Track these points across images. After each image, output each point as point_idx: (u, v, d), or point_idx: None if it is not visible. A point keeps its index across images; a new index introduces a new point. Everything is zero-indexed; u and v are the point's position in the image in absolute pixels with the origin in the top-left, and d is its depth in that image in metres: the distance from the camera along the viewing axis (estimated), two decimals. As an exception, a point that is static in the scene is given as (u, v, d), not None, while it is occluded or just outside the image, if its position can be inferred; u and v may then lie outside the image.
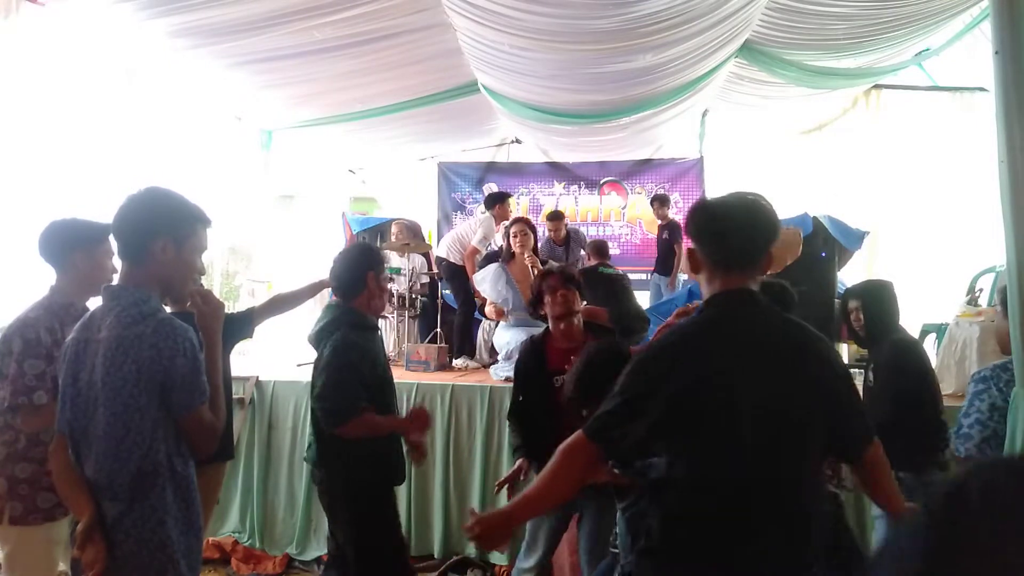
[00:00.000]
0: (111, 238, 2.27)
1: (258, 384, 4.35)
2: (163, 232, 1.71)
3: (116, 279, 1.78)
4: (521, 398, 2.80)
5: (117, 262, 2.27)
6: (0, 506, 2.20)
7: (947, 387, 3.89)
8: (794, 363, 1.52)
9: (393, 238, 6.16)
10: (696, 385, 1.47)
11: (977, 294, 4.95)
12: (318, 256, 7.41)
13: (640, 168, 7.93)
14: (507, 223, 5.26)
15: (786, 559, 1.48)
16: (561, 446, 1.56)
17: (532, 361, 2.75)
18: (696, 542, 1.48)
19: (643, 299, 6.19)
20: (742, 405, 1.46)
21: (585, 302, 2.91)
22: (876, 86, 6.80)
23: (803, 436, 1.52)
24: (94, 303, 2.31)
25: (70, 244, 2.27)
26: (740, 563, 1.45)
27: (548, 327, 2.81)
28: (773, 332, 1.56)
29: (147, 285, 1.72)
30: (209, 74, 5.13)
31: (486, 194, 7.95)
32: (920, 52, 6.07)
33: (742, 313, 1.56)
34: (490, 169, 8.09)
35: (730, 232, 1.56)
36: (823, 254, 5.89)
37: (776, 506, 1.48)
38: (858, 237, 6.02)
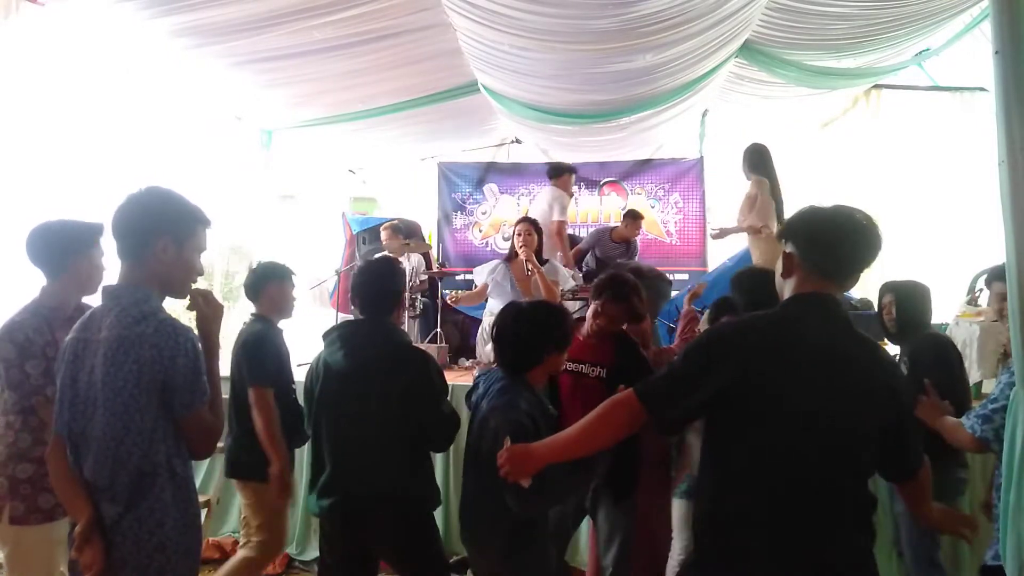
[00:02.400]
0: (102, 237, 2.28)
1: (258, 384, 4.34)
2: (164, 232, 1.71)
3: (116, 278, 1.77)
4: None
5: (105, 261, 2.28)
6: (0, 505, 2.19)
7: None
8: (852, 375, 1.52)
9: (383, 242, 6.15)
10: (748, 377, 1.49)
11: (977, 294, 4.95)
12: (318, 256, 7.44)
13: (640, 168, 7.90)
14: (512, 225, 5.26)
15: (844, 568, 1.48)
16: (609, 399, 1.64)
17: None
18: (746, 551, 1.47)
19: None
20: (791, 407, 1.47)
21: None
22: (876, 86, 6.79)
23: (852, 448, 1.52)
24: (85, 300, 2.32)
25: (70, 248, 2.24)
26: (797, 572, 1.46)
27: None
28: (838, 341, 1.55)
29: (147, 285, 1.72)
30: (209, 74, 5.13)
31: (487, 196, 7.97)
32: (920, 52, 6.07)
33: (813, 317, 1.56)
34: (490, 169, 8.06)
35: (844, 243, 1.57)
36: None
37: (829, 517, 1.48)
38: (858, 237, 6.01)
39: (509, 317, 2.29)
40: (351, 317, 6.25)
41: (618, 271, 3.22)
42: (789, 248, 1.62)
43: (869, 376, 1.54)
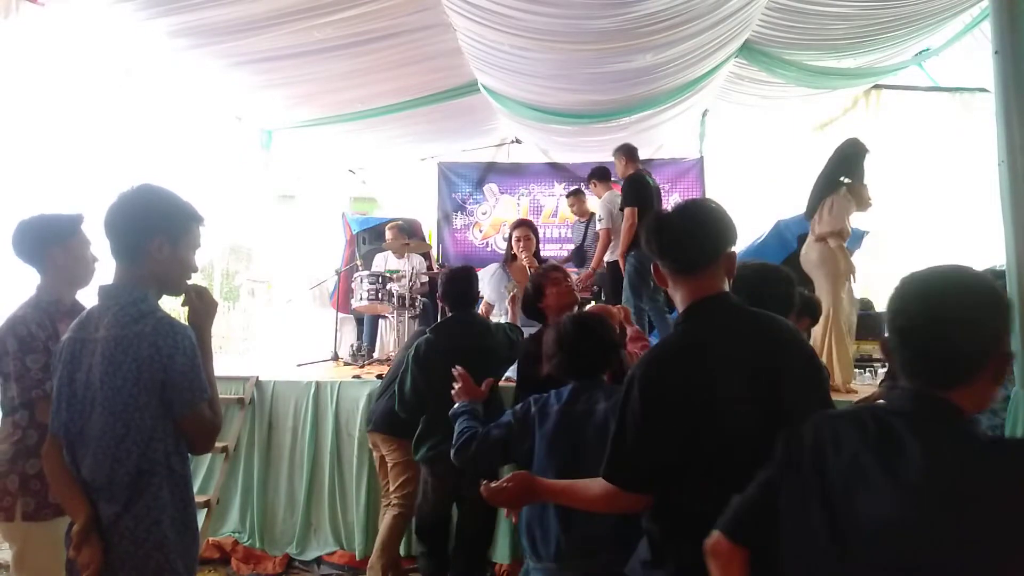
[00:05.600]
0: (84, 229, 2.28)
1: (258, 384, 4.35)
2: (158, 231, 1.70)
3: (112, 276, 1.77)
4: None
5: (97, 252, 2.29)
6: (11, 503, 2.19)
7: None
8: (779, 355, 1.53)
9: (387, 241, 6.15)
10: (696, 403, 1.47)
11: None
12: (318, 256, 7.44)
13: (640, 168, 7.92)
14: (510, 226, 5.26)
15: None
16: (602, 490, 1.58)
17: (539, 357, 2.74)
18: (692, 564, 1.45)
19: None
20: (741, 411, 1.47)
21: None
22: (876, 86, 6.80)
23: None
24: (83, 296, 2.32)
25: (43, 240, 2.25)
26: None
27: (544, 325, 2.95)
28: (752, 333, 1.56)
29: (143, 284, 1.71)
30: (209, 74, 5.14)
31: (487, 196, 7.97)
32: (920, 52, 6.08)
33: (719, 320, 1.57)
34: (490, 169, 8.08)
35: (677, 237, 1.60)
36: (823, 254, 5.90)
37: None
38: (857, 236, 6.01)
39: (578, 330, 2.29)
40: (350, 316, 6.30)
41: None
42: (655, 260, 1.66)
43: (788, 355, 1.55)
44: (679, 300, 1.63)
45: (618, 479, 1.55)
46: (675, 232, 1.61)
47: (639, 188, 5.00)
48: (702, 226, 1.60)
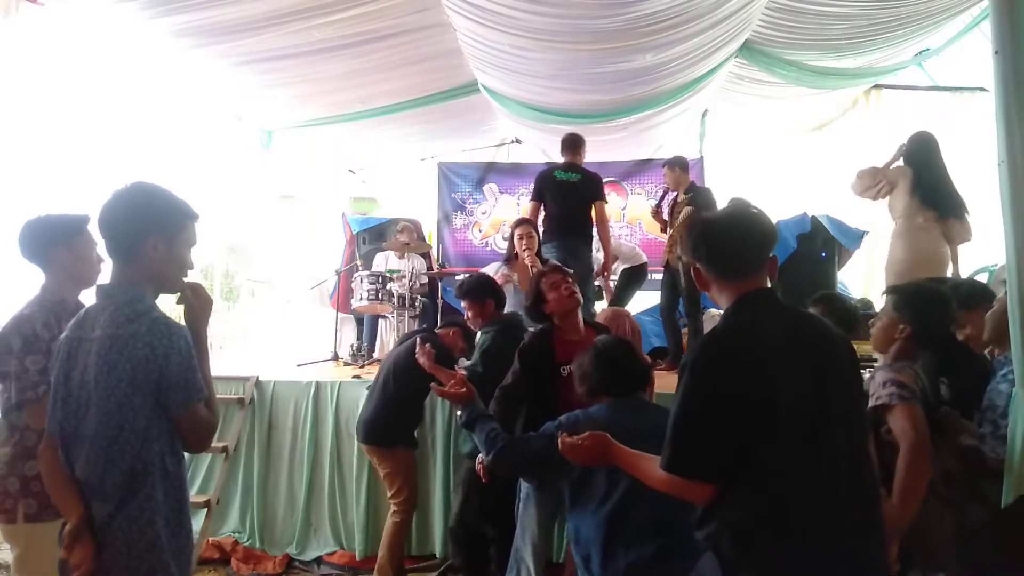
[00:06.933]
0: (90, 229, 2.27)
1: (258, 384, 4.35)
2: (153, 230, 1.70)
3: (108, 274, 1.77)
4: (505, 386, 2.90)
5: (102, 252, 2.29)
6: (12, 505, 2.18)
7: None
8: (826, 353, 1.56)
9: (394, 239, 6.13)
10: (753, 393, 1.47)
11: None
12: (318, 256, 7.44)
13: (640, 168, 7.90)
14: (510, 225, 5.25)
15: (869, 560, 1.50)
16: (667, 481, 1.56)
17: (541, 352, 2.87)
18: (776, 555, 1.46)
19: (648, 299, 6.24)
20: (794, 402, 1.47)
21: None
22: (876, 86, 6.80)
23: (853, 422, 1.56)
24: (86, 296, 2.31)
25: (48, 241, 2.25)
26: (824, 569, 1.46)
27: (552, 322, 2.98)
28: (800, 325, 1.60)
29: (140, 283, 1.71)
30: (210, 74, 5.14)
31: (486, 196, 7.97)
32: (920, 52, 6.08)
33: (768, 311, 1.59)
34: (490, 169, 8.06)
35: (725, 245, 1.62)
36: (823, 254, 5.90)
37: (853, 502, 1.49)
38: (857, 236, 6.02)
39: (615, 351, 2.42)
40: (350, 316, 6.29)
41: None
42: (698, 265, 1.67)
43: (836, 350, 1.59)
44: (724, 300, 1.65)
45: (679, 467, 1.52)
46: (723, 240, 1.63)
47: (536, 182, 5.05)
48: (749, 234, 1.63)
